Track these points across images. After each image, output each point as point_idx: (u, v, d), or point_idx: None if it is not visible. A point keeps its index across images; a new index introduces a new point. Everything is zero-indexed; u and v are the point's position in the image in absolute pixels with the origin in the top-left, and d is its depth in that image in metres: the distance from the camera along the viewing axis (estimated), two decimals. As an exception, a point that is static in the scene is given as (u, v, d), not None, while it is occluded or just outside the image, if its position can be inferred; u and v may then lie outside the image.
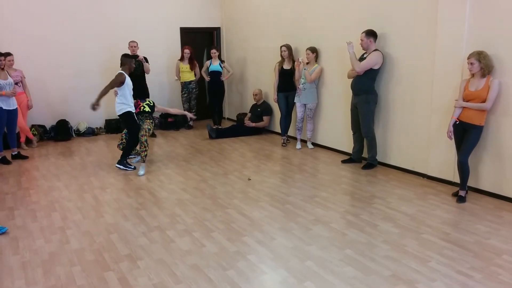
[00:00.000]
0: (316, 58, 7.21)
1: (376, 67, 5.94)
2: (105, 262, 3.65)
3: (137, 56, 8.31)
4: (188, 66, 9.20)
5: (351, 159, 6.56)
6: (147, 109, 6.51)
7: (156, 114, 9.57)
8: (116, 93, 6.18)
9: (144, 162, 6.26)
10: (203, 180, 5.85)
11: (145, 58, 8.58)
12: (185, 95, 9.35)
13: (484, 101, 4.65)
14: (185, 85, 9.31)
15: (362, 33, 5.95)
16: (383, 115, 6.23)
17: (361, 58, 6.03)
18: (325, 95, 7.30)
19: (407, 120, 5.91)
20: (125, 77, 6.15)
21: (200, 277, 3.38)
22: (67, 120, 8.79)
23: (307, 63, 7.20)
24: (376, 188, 5.42)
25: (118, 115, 6.27)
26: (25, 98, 7.58)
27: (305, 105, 7.33)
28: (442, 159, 5.48)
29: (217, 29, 10.43)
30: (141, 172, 6.17)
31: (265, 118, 8.70)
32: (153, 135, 8.75)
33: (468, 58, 4.71)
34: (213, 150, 7.56)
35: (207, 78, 9.37)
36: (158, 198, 5.21)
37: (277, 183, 5.69)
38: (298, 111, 7.40)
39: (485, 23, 4.84)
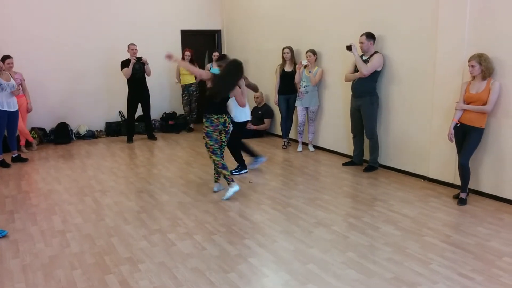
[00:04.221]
0: (315, 60, 7.21)
1: (379, 69, 5.97)
2: (105, 265, 3.64)
3: (141, 58, 8.30)
4: (188, 69, 9.19)
5: (353, 161, 6.55)
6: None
7: (156, 117, 9.57)
8: None
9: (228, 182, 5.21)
10: (204, 183, 5.83)
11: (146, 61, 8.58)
12: (186, 98, 9.34)
13: (485, 104, 4.65)
14: (185, 88, 9.30)
15: (362, 35, 5.95)
16: (384, 117, 6.22)
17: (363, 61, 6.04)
18: (326, 97, 7.29)
19: (407, 123, 5.90)
20: None
21: (201, 280, 3.37)
22: (67, 123, 8.76)
23: (309, 65, 7.18)
24: (378, 190, 5.41)
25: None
26: (25, 101, 7.55)
27: (306, 108, 7.33)
28: (443, 162, 5.47)
29: (218, 32, 10.44)
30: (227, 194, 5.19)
31: (266, 120, 8.69)
32: (153, 138, 8.73)
33: (469, 61, 4.71)
34: (213, 152, 7.54)
35: (207, 81, 9.36)
36: (159, 201, 5.20)
37: (279, 185, 5.68)
38: (299, 114, 7.38)
39: (486, 25, 4.84)
